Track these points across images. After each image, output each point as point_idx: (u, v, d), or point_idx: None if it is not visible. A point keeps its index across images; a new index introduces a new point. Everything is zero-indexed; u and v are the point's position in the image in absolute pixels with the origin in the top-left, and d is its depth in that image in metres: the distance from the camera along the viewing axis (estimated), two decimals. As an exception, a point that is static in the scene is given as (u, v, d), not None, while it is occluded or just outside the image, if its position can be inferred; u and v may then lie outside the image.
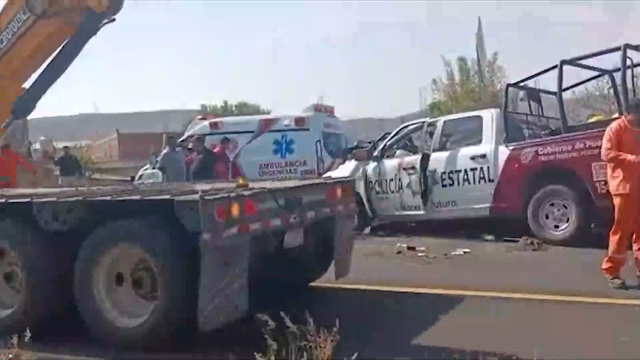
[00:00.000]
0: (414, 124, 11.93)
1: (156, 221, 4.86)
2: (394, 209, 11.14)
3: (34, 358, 4.54)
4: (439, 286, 6.68)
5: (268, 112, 39.64)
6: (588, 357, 4.34)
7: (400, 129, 11.91)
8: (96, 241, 5.02)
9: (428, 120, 11.56)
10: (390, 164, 11.24)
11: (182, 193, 4.89)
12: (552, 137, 9.64)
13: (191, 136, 15.36)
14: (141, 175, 18.05)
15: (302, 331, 3.94)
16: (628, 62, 9.27)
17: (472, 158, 10.04)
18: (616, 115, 9.66)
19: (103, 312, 4.99)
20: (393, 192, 11.06)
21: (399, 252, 8.93)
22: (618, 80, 9.89)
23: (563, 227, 9.13)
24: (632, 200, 6.29)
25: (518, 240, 9.17)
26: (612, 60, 10.17)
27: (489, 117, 10.24)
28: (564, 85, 10.19)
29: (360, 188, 11.63)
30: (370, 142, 13.56)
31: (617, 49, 9.30)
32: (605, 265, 6.40)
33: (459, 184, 10.18)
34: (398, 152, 11.60)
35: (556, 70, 9.75)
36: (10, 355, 4.47)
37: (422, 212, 10.61)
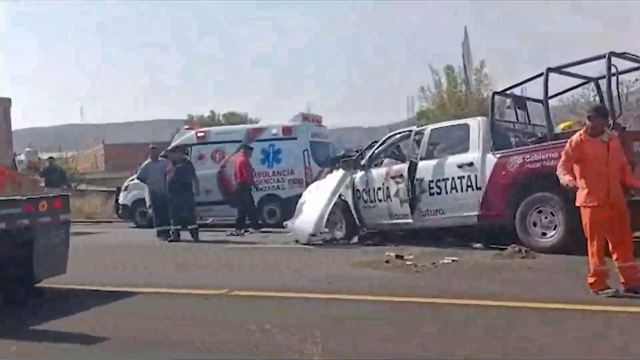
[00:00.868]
0: (401, 132, 11.93)
1: None
2: (381, 218, 11.12)
3: None
4: (426, 295, 6.63)
5: (256, 122, 39.63)
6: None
7: (388, 138, 11.91)
8: None
9: (415, 128, 11.57)
10: (377, 172, 11.23)
11: None
12: (539, 145, 9.65)
13: (176, 146, 15.30)
14: (127, 186, 17.95)
15: (288, 342, 3.90)
16: (613, 70, 9.30)
17: (460, 166, 10.04)
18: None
19: None
20: (381, 200, 11.05)
21: (387, 261, 8.89)
22: (603, 88, 9.91)
23: (550, 234, 9.13)
24: (601, 212, 6.23)
25: (506, 248, 9.16)
26: (597, 68, 10.22)
27: (476, 125, 10.24)
28: (550, 93, 10.24)
29: (348, 197, 11.63)
30: (357, 151, 13.56)
31: (602, 56, 9.34)
32: (591, 280, 6.31)
33: (446, 192, 10.17)
34: (385, 160, 11.58)
35: (542, 78, 9.79)
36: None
37: (410, 220, 10.59)
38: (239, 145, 15.67)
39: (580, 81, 11.68)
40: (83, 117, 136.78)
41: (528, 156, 9.38)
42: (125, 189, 17.89)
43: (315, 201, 11.69)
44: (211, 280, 7.98)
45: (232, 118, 52.67)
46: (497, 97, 11.42)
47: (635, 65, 10.32)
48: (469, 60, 30.28)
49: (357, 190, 11.51)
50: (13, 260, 6.91)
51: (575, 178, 6.36)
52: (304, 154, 15.94)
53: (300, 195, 12.79)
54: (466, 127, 10.43)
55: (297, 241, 11.72)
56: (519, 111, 11.47)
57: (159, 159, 14.48)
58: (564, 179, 6.38)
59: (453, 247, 9.87)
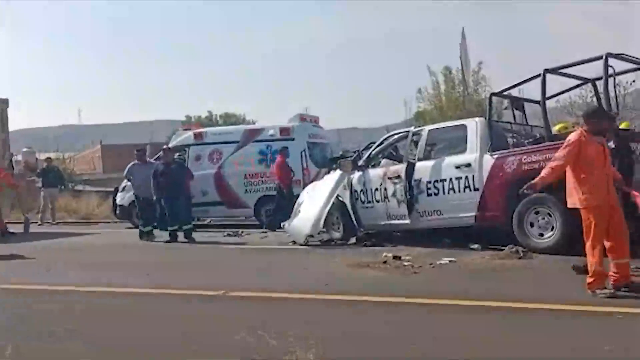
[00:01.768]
0: (399, 133, 11.93)
1: None
2: (379, 219, 11.11)
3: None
4: (424, 296, 6.61)
5: (253, 123, 39.64)
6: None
7: (385, 138, 11.91)
8: None
9: (413, 129, 11.56)
10: (375, 173, 11.23)
11: None
12: (536, 146, 9.66)
13: (169, 148, 15.24)
14: (124, 187, 17.92)
15: (283, 344, 3.89)
16: (610, 71, 9.33)
17: (457, 167, 10.04)
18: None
19: None
20: (378, 201, 11.04)
21: (384, 262, 8.88)
22: (600, 89, 9.93)
23: (548, 235, 9.14)
24: (603, 212, 6.25)
25: (503, 249, 9.16)
26: (594, 69, 10.23)
27: (474, 126, 10.25)
28: (548, 94, 10.25)
29: (346, 198, 11.62)
30: (355, 152, 13.56)
31: (599, 57, 9.35)
32: (589, 280, 6.30)
33: (444, 193, 10.17)
34: (383, 161, 11.59)
35: (540, 79, 9.81)
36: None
37: (407, 221, 10.58)
38: (280, 147, 15.78)
39: (577, 82, 11.71)
40: (81, 118, 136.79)
41: (525, 157, 9.38)
42: (123, 190, 17.85)
43: (313, 202, 11.68)
44: (207, 281, 7.96)
45: (230, 119, 52.65)
46: (494, 98, 11.43)
47: (633, 66, 10.35)
48: (467, 61, 30.29)
49: (355, 191, 11.51)
50: None
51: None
52: (301, 154, 15.93)
53: (297, 196, 12.79)
54: (464, 128, 10.43)
55: (294, 242, 11.70)
56: (516, 112, 11.51)
57: (152, 160, 14.43)
58: (550, 176, 6.45)
59: (450, 248, 9.86)
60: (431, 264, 8.64)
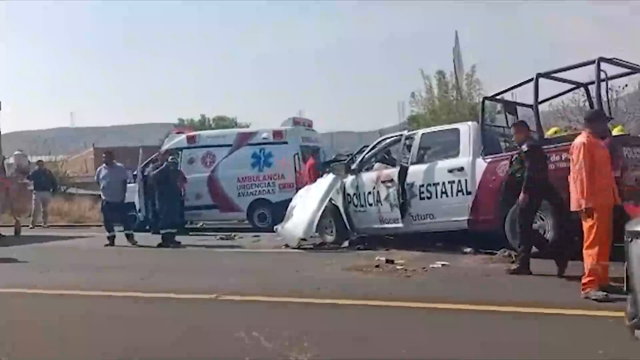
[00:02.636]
0: (392, 136, 11.95)
1: None
2: (372, 222, 11.11)
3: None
4: (417, 299, 6.61)
5: (247, 126, 39.60)
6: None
7: (378, 142, 11.92)
8: None
9: (406, 133, 11.58)
10: (368, 177, 11.23)
11: None
12: (529, 150, 9.65)
13: (166, 151, 15.23)
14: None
15: (277, 347, 3.88)
16: (602, 75, 9.37)
17: (450, 171, 10.05)
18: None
19: None
20: (371, 205, 11.04)
21: (377, 266, 8.87)
22: (593, 93, 9.96)
23: (540, 239, 9.14)
24: (609, 214, 6.33)
25: (496, 253, 9.19)
26: (587, 73, 10.27)
27: (466, 129, 10.27)
28: (540, 98, 10.28)
29: (339, 201, 11.62)
30: (348, 155, 13.56)
31: (591, 62, 9.40)
32: (585, 280, 6.32)
33: (437, 197, 10.18)
34: (376, 165, 11.60)
35: (532, 83, 9.83)
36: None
37: (400, 225, 10.59)
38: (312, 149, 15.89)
39: (570, 86, 11.75)
40: (74, 121, 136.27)
41: (518, 161, 9.39)
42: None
43: (306, 205, 11.68)
44: (200, 284, 7.93)
45: (223, 122, 52.56)
46: (487, 102, 11.45)
47: (625, 70, 10.40)
48: (460, 65, 30.44)
49: (348, 194, 11.51)
50: None
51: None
52: (294, 158, 15.94)
53: (290, 200, 12.79)
54: (457, 131, 10.45)
55: (287, 245, 11.69)
56: (509, 116, 11.52)
57: (116, 164, 14.23)
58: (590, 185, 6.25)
59: (443, 252, 9.88)
60: (424, 267, 8.64)
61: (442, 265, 8.78)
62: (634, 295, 4.52)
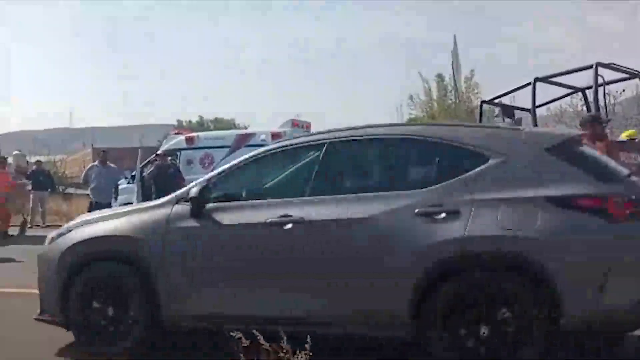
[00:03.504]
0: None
1: None
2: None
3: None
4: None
5: (245, 127, 39.67)
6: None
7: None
8: None
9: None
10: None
11: None
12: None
13: (164, 152, 15.22)
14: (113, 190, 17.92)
15: (274, 348, 3.88)
16: (600, 80, 9.42)
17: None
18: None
19: None
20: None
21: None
22: (591, 97, 10.02)
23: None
24: None
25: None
26: (585, 78, 10.34)
27: (464, 133, 10.26)
28: (538, 102, 10.33)
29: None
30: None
31: (589, 67, 9.47)
32: None
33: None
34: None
35: (530, 87, 9.89)
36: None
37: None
38: None
39: (568, 91, 11.81)
40: (72, 121, 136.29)
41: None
42: (114, 192, 17.82)
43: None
44: None
45: (221, 124, 52.59)
46: (485, 105, 11.50)
47: (622, 76, 10.46)
48: (458, 68, 30.50)
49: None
50: None
51: None
52: (292, 160, 15.97)
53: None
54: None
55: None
56: (507, 120, 11.56)
57: (107, 163, 14.18)
58: None
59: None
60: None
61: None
62: None
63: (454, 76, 30.12)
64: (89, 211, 14.37)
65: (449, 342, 4.20)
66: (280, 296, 4.69)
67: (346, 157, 5.08)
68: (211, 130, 41.25)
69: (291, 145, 5.24)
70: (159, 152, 14.49)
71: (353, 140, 5.03)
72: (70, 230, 5.42)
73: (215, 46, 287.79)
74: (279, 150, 5.24)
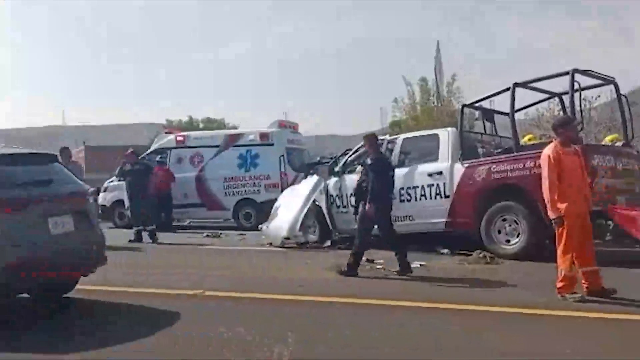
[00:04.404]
0: (375, 141, 12.29)
1: None
2: (354, 223, 11.35)
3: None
4: (395, 298, 6.76)
5: (235, 127, 39.76)
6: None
7: (361, 146, 12.17)
8: None
9: (388, 137, 11.86)
10: (350, 179, 11.47)
11: None
12: (505, 156, 10.00)
13: (132, 151, 15.26)
14: (107, 187, 18.17)
15: (259, 343, 3.99)
16: (576, 86, 9.64)
17: (429, 175, 10.39)
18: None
19: None
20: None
21: (357, 265, 9.08)
22: (567, 103, 10.25)
23: (514, 241, 9.51)
24: (578, 220, 6.48)
25: (472, 254, 9.45)
26: (562, 84, 10.59)
27: (446, 135, 10.61)
28: (517, 107, 10.60)
29: (322, 202, 11.90)
30: (332, 158, 13.87)
31: (566, 73, 9.69)
32: (559, 285, 6.51)
33: (416, 200, 10.50)
34: (358, 167, 11.85)
35: (509, 92, 10.14)
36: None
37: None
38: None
39: (545, 96, 12.11)
40: (64, 119, 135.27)
41: (494, 166, 9.74)
42: (105, 190, 18.04)
43: (290, 205, 11.96)
44: (185, 281, 7.98)
45: (210, 123, 52.56)
46: (466, 109, 11.74)
47: (598, 82, 10.75)
48: (441, 73, 30.89)
49: (331, 195, 11.81)
50: None
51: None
52: (280, 159, 16.25)
53: (275, 200, 13.07)
54: (436, 137, 10.77)
55: (271, 244, 11.95)
56: (486, 123, 11.86)
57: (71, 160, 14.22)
58: (559, 207, 6.45)
59: (421, 253, 9.98)
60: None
61: (420, 265, 8.96)
62: None
63: (436, 80, 30.49)
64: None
65: None
66: None
67: None
68: (201, 129, 41.35)
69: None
70: (127, 152, 14.43)
71: None
72: None
73: (203, 47, 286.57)
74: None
